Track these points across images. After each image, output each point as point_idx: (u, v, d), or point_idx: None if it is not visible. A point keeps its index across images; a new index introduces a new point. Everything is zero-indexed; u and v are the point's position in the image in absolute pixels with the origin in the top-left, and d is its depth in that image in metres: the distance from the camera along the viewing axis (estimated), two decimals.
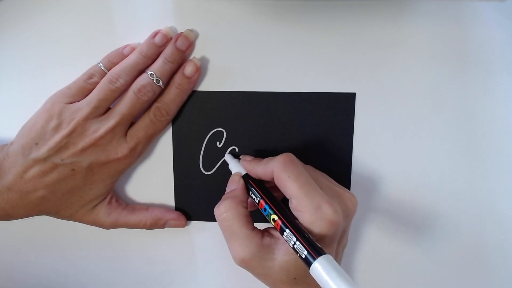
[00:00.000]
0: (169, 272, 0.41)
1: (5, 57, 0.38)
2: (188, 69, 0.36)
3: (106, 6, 0.37)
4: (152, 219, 0.38)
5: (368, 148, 0.38)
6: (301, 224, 0.31)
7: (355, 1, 0.36)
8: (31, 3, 0.37)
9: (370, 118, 0.38)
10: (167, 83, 0.36)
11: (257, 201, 0.34)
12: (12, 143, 0.35)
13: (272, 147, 0.39)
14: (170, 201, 0.40)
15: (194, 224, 0.40)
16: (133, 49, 0.36)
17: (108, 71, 0.35)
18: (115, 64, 0.36)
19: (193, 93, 0.38)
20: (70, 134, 0.34)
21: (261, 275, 0.32)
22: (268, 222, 0.32)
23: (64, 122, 0.34)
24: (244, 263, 0.32)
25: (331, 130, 0.38)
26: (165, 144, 0.39)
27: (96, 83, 0.35)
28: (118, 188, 0.40)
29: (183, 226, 0.39)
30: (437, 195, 0.39)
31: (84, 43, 0.38)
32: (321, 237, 0.30)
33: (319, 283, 0.27)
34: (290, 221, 0.31)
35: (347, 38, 0.37)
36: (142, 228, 0.38)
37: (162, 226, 0.39)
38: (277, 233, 0.32)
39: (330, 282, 0.26)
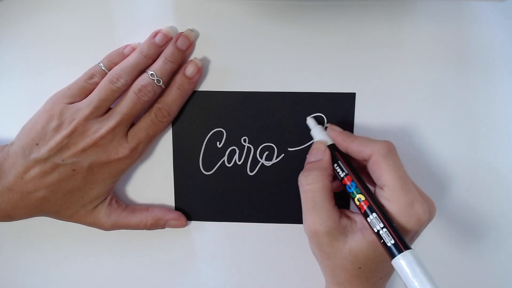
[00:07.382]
0: (169, 272, 0.41)
1: (5, 57, 0.38)
2: (190, 69, 0.36)
3: (106, 6, 0.37)
4: (152, 219, 0.38)
5: None
6: (388, 213, 0.30)
7: (355, 1, 0.36)
8: (31, 3, 0.37)
9: (370, 118, 0.38)
10: (167, 83, 0.36)
11: (341, 176, 0.33)
12: (12, 143, 0.35)
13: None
14: (170, 201, 0.40)
15: (194, 224, 0.40)
16: (133, 49, 0.36)
17: (109, 71, 0.35)
18: (115, 64, 0.36)
19: (194, 93, 0.38)
20: (70, 134, 0.34)
21: (326, 253, 0.32)
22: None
23: (65, 122, 0.34)
24: (316, 237, 0.32)
25: None
26: (165, 144, 0.39)
27: (97, 83, 0.35)
28: (118, 188, 0.40)
29: (184, 226, 0.39)
30: (437, 195, 0.39)
31: (84, 43, 0.38)
32: (405, 232, 0.30)
33: (401, 276, 0.27)
34: (378, 206, 0.30)
35: (347, 38, 0.37)
36: (143, 229, 0.38)
37: (163, 226, 0.39)
38: (355, 216, 0.32)
39: (415, 282, 0.26)
